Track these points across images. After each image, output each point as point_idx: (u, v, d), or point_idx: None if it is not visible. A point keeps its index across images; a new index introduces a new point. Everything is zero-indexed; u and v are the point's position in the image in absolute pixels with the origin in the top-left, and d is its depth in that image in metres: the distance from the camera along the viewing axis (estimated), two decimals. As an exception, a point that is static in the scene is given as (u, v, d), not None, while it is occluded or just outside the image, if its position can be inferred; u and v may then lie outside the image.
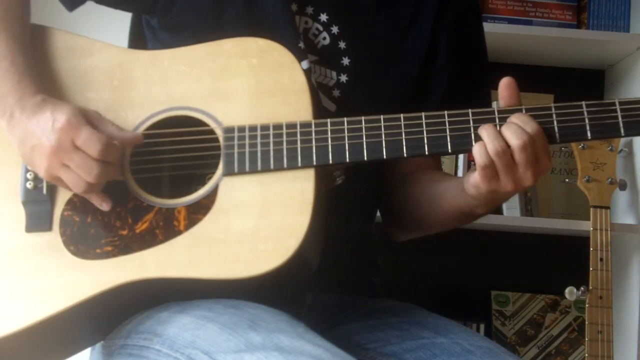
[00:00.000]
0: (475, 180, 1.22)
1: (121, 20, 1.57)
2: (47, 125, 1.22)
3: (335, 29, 1.42)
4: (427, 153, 1.23)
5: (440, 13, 1.46)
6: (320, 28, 1.41)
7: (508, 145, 1.19)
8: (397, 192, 1.49)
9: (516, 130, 1.19)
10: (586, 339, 2.24)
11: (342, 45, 1.42)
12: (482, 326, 2.61)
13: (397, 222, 1.53)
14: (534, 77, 2.74)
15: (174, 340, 1.17)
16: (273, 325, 1.14)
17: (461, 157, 2.58)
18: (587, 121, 1.21)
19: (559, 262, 2.63)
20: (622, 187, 2.36)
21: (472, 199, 1.27)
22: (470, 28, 1.52)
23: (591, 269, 2.26)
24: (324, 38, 1.41)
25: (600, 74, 2.76)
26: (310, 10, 1.41)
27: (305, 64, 1.36)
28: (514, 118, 1.21)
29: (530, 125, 1.19)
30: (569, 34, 2.56)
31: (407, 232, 1.54)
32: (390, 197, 1.51)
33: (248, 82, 1.28)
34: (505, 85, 1.25)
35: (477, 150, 1.20)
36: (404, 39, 1.45)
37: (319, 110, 1.32)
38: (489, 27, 2.42)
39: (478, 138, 1.22)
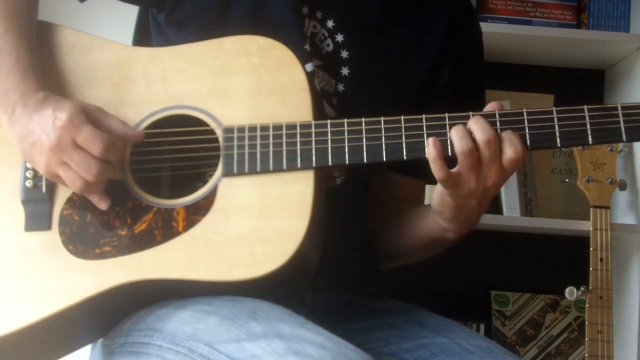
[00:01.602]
0: (438, 188, 1.24)
1: (127, 16, 1.57)
2: (47, 123, 1.22)
3: (339, 37, 1.41)
4: (426, 156, 1.23)
5: (446, 41, 1.46)
6: (326, 34, 1.41)
7: (475, 147, 1.20)
8: (376, 222, 1.50)
9: (483, 126, 1.20)
10: (586, 339, 2.24)
11: (344, 54, 1.41)
12: (482, 326, 2.60)
13: (380, 252, 1.54)
14: (534, 77, 2.74)
15: (174, 335, 1.17)
16: (273, 316, 1.14)
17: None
18: (588, 125, 1.21)
19: (559, 262, 2.62)
20: (622, 187, 2.36)
21: (440, 216, 1.29)
22: (474, 63, 1.53)
23: (591, 269, 2.25)
24: (328, 45, 1.41)
25: (600, 74, 2.75)
26: (319, 15, 1.41)
27: (309, 67, 1.36)
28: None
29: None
30: (569, 34, 2.55)
31: (387, 261, 1.55)
32: (381, 228, 1.52)
33: (248, 81, 1.28)
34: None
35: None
36: (406, 60, 1.45)
37: (320, 111, 1.31)
38: (489, 27, 2.44)
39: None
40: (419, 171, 1.24)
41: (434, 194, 1.27)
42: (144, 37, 1.50)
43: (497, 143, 1.20)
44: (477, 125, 1.21)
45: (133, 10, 1.54)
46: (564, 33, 2.55)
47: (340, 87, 1.41)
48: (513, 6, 2.66)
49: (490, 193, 1.25)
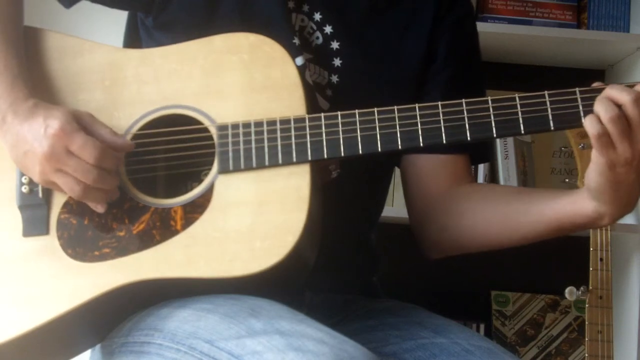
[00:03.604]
0: (593, 159, 1.20)
1: (117, 22, 1.57)
2: (39, 131, 1.21)
3: (328, 29, 1.42)
4: (421, 145, 1.23)
5: (437, 18, 1.46)
6: (314, 27, 1.42)
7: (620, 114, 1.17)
8: (443, 210, 1.45)
9: (624, 88, 1.19)
10: (586, 339, 2.24)
11: (334, 45, 1.42)
12: (482, 326, 2.61)
13: (441, 241, 1.48)
14: (534, 77, 2.74)
15: (174, 333, 1.17)
16: (273, 313, 1.14)
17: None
18: (580, 107, 1.21)
19: (559, 262, 2.62)
20: (623, 187, 2.35)
21: (597, 196, 1.23)
22: (468, 33, 1.53)
23: (591, 269, 2.26)
24: (317, 37, 1.41)
25: (600, 74, 2.75)
26: (306, 8, 1.42)
27: (299, 60, 1.36)
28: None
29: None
30: (569, 34, 2.56)
31: (454, 249, 1.50)
32: (432, 216, 1.47)
33: (240, 78, 1.28)
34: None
35: (589, 121, 1.18)
36: (399, 43, 1.45)
37: (313, 105, 1.32)
38: (489, 27, 2.44)
39: (472, 128, 1.22)
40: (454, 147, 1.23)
41: (591, 173, 1.22)
42: (134, 42, 1.50)
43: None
44: (616, 90, 1.19)
45: (122, 17, 1.54)
46: (564, 33, 2.55)
47: (334, 78, 1.41)
48: (513, 6, 2.66)
49: None
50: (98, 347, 1.34)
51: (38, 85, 1.31)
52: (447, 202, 1.44)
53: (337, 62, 1.41)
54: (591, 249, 2.27)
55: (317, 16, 1.41)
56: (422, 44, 1.45)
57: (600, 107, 1.18)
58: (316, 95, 1.39)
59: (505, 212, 1.38)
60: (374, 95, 1.42)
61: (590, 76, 2.73)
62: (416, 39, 1.45)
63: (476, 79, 1.51)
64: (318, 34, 1.41)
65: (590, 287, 2.24)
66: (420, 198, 1.49)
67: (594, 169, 1.21)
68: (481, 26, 1.57)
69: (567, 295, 2.27)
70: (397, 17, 1.45)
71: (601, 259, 2.26)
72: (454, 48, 1.47)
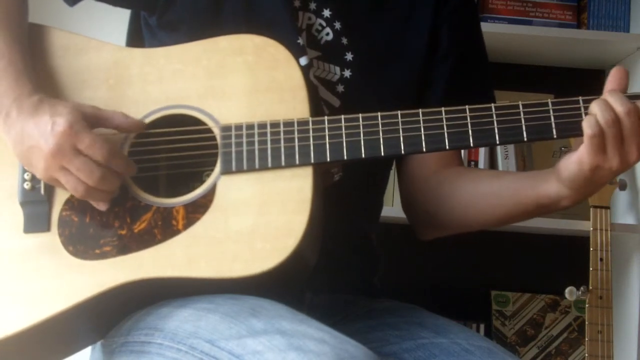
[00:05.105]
0: (579, 156, 1.20)
1: (119, 21, 1.57)
2: (45, 128, 1.21)
3: (338, 25, 1.42)
4: (424, 150, 1.23)
5: (438, 5, 1.47)
6: (324, 24, 1.42)
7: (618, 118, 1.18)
8: (429, 192, 1.47)
9: (621, 99, 1.19)
10: (586, 339, 2.24)
11: (344, 41, 1.42)
12: (482, 326, 2.61)
13: (428, 223, 1.51)
14: (534, 77, 2.75)
15: (175, 333, 1.17)
16: (274, 313, 1.14)
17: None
18: (583, 117, 1.21)
19: (559, 262, 2.63)
20: (622, 187, 2.36)
21: (566, 184, 1.24)
22: (469, 19, 1.54)
23: (591, 269, 2.26)
24: (327, 34, 1.42)
25: (600, 74, 2.76)
26: (313, 6, 1.42)
27: (303, 60, 1.36)
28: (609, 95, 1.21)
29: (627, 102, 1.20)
30: (569, 34, 2.56)
31: (439, 231, 1.51)
32: (419, 198, 1.49)
33: (244, 79, 1.28)
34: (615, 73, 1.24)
35: (587, 120, 1.19)
36: (404, 33, 1.46)
37: (317, 107, 1.32)
38: (489, 27, 2.44)
39: (475, 134, 1.22)
40: None
41: (570, 164, 1.22)
42: (137, 41, 1.50)
43: (637, 114, 1.19)
44: (614, 98, 1.19)
45: (125, 15, 1.54)
46: (564, 33, 2.55)
47: (347, 72, 1.41)
48: (513, 6, 2.66)
49: (626, 168, 1.23)
50: (98, 346, 1.34)
51: (42, 82, 1.30)
52: (433, 185, 1.46)
53: (349, 56, 1.42)
54: (591, 249, 2.27)
55: (327, 13, 1.42)
56: (424, 33, 1.46)
57: (597, 108, 1.19)
58: (326, 92, 1.40)
59: (481, 194, 1.39)
60: (383, 90, 1.42)
61: (590, 76, 2.75)
62: (418, 33, 1.46)
63: (480, 68, 1.52)
64: (328, 29, 1.41)
65: (590, 287, 2.25)
66: (409, 181, 1.51)
67: (576, 162, 1.21)
68: (481, 26, 1.57)
69: (567, 295, 2.28)
70: (397, 12, 1.46)
71: (601, 259, 2.26)
72: (455, 36, 1.48)
